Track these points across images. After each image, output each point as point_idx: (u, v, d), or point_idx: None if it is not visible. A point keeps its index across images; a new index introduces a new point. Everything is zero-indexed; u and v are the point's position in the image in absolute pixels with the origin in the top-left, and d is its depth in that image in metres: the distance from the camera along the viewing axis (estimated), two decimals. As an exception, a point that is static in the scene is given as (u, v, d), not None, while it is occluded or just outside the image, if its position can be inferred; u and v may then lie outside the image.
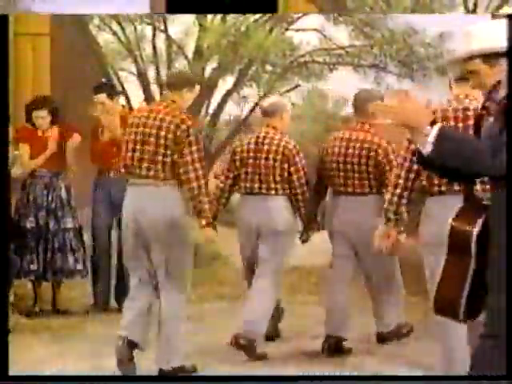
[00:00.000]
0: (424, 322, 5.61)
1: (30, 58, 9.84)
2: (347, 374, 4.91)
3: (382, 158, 5.32)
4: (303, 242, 5.66)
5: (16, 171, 6.46)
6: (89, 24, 12.71)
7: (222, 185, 5.60)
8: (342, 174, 5.42)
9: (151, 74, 13.71)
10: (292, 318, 6.16)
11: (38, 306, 6.58)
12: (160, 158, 4.64)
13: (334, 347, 5.38)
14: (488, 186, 3.15)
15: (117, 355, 4.67)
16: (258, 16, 12.58)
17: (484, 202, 2.99)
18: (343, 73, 14.67)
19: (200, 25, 12.97)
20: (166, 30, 13.60)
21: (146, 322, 4.76)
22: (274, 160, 5.45)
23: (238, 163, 5.56)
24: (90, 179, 6.81)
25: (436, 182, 4.16)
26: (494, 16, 10.52)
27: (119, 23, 13.23)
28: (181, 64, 13.41)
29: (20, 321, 6.08)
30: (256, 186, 5.48)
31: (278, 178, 5.44)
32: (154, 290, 4.76)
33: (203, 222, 4.70)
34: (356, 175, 5.38)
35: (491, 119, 3.00)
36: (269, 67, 14.24)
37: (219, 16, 12.48)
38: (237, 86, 14.06)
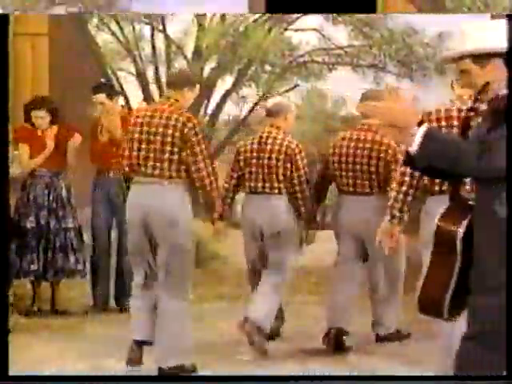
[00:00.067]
0: (424, 321, 5.60)
1: (29, 58, 9.82)
2: (347, 373, 4.91)
3: (391, 158, 5.33)
4: (308, 243, 5.68)
5: (15, 171, 6.45)
6: (88, 24, 12.70)
7: (226, 185, 5.63)
8: (350, 174, 5.43)
9: (150, 73, 13.70)
10: (292, 317, 6.15)
11: (36, 306, 6.58)
12: (166, 156, 4.67)
13: (335, 340, 5.36)
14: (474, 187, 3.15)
15: (128, 355, 4.75)
16: (256, 16, 12.57)
17: (470, 202, 3.00)
18: (342, 73, 14.68)
19: (199, 25, 12.96)
20: (164, 30, 13.59)
21: (153, 318, 4.79)
22: (277, 159, 5.46)
23: (241, 163, 5.58)
24: (90, 179, 6.81)
25: (437, 180, 4.16)
26: (493, 16, 10.51)
27: (118, 23, 13.22)
28: (180, 64, 13.40)
29: (19, 321, 6.08)
30: (259, 185, 5.50)
31: (280, 178, 5.46)
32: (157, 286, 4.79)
33: (215, 216, 4.85)
34: (365, 175, 5.39)
35: (479, 120, 3.01)
36: (268, 67, 14.24)
37: (218, 16, 12.47)
38: (236, 85, 14.06)
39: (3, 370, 4.01)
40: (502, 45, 2.92)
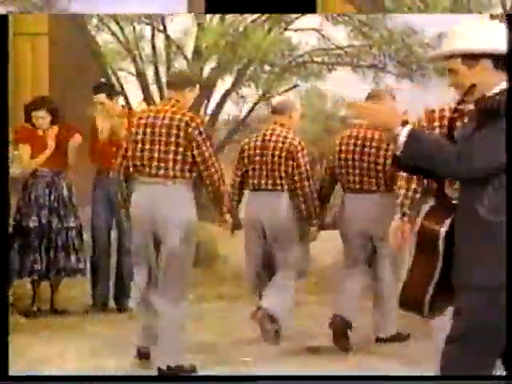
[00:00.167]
0: (424, 321, 5.60)
1: (29, 58, 9.84)
2: (347, 373, 4.91)
3: None
4: (310, 241, 5.68)
5: (15, 171, 6.46)
6: (87, 24, 12.69)
7: (232, 182, 5.65)
8: (357, 171, 5.43)
9: (150, 73, 13.69)
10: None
11: (36, 306, 6.58)
12: (171, 156, 4.72)
13: (340, 330, 5.35)
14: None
15: (138, 356, 4.89)
16: (256, 16, 12.57)
17: (453, 202, 3.01)
18: (342, 73, 14.65)
19: (198, 25, 12.96)
20: (165, 30, 13.58)
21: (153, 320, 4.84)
22: (280, 156, 5.48)
23: (246, 160, 5.62)
24: (90, 179, 6.82)
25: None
26: (492, 16, 10.51)
27: (118, 23, 13.21)
28: (180, 64, 13.39)
29: (19, 321, 6.09)
30: (263, 182, 5.53)
31: (283, 174, 5.48)
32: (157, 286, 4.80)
33: (224, 209, 4.95)
34: (372, 173, 5.39)
35: (465, 120, 3.03)
36: (267, 67, 14.21)
37: (218, 16, 12.47)
38: (235, 85, 14.04)
39: (3, 370, 4.02)
40: (492, 46, 2.92)
